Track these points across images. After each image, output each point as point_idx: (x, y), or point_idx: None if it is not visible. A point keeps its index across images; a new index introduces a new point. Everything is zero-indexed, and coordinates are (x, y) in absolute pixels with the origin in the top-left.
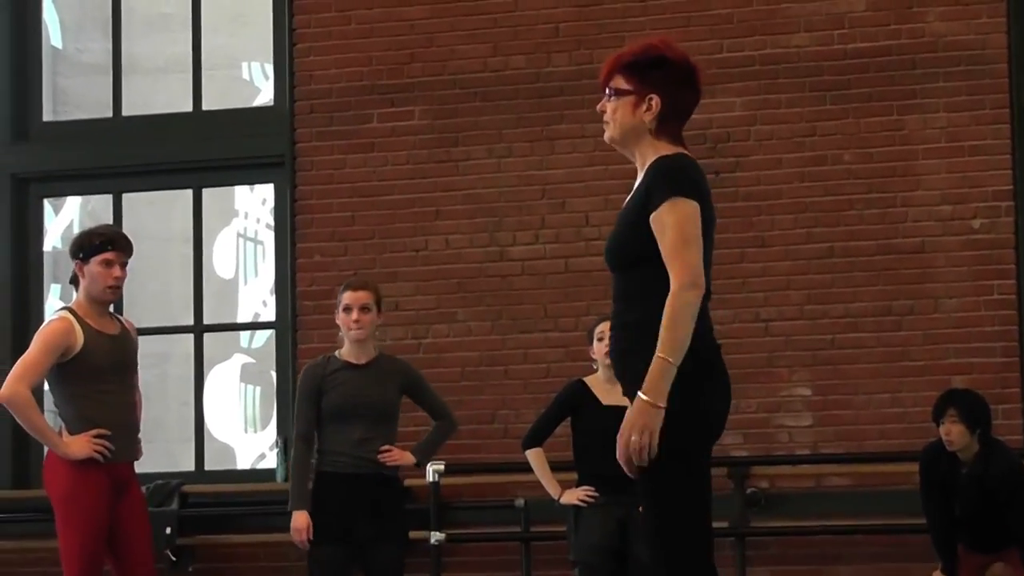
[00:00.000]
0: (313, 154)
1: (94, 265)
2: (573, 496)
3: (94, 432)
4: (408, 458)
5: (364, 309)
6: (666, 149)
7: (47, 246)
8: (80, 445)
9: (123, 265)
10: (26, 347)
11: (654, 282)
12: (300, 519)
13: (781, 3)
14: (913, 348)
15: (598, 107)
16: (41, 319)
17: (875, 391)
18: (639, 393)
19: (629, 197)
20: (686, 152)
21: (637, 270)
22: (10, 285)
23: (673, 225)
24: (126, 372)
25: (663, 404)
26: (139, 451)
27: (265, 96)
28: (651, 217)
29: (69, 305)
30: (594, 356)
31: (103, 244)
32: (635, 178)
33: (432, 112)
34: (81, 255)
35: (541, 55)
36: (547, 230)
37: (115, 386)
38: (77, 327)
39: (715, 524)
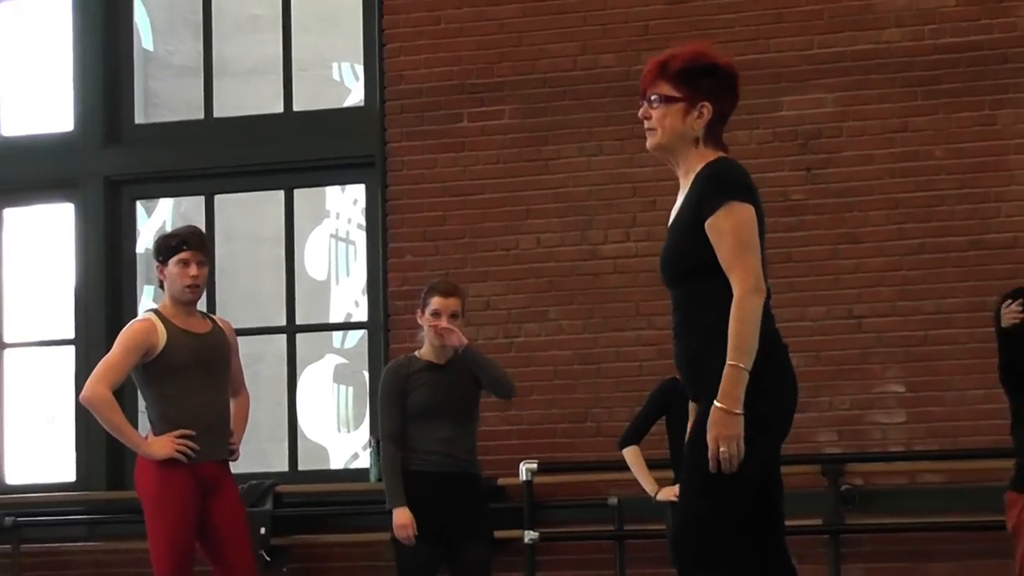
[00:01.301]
0: (404, 154)
1: (172, 266)
2: (670, 493)
3: (177, 433)
4: (460, 337)
5: (453, 316)
6: (711, 155)
7: (140, 248)
8: (161, 445)
9: (200, 264)
10: None
11: (718, 290)
12: (403, 515)
13: None
14: None
15: (640, 113)
16: None
17: (968, 387)
18: (715, 403)
19: (677, 208)
20: (727, 155)
21: (698, 280)
22: (104, 287)
23: (730, 230)
24: (213, 371)
25: (740, 410)
26: (231, 450)
27: (355, 96)
28: (707, 223)
29: (156, 307)
30: None
31: (178, 244)
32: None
33: (522, 111)
34: (160, 258)
35: (630, 53)
36: (638, 228)
37: (200, 385)
38: (160, 327)
39: (809, 521)
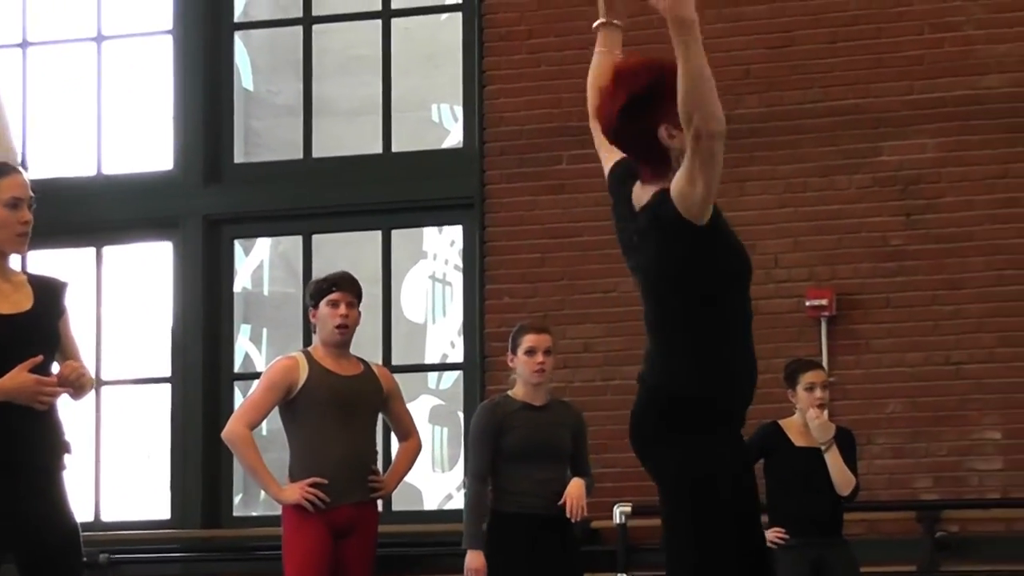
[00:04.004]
0: (503, 195)
1: (322, 307)
2: (771, 536)
3: (309, 481)
4: (579, 490)
5: (547, 352)
6: None
7: (237, 287)
8: (291, 492)
9: (350, 305)
10: (217, 387)
11: None
12: (477, 559)
13: (973, 44)
14: None
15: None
16: (231, 360)
17: None
18: None
19: None
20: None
21: None
22: (201, 325)
23: None
24: (355, 415)
25: None
26: (371, 490)
27: (454, 138)
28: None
29: (308, 348)
30: (794, 400)
31: (328, 286)
32: (823, 219)
33: None
34: (312, 301)
35: (732, 96)
36: None
37: (338, 427)
38: (303, 365)
39: (904, 568)
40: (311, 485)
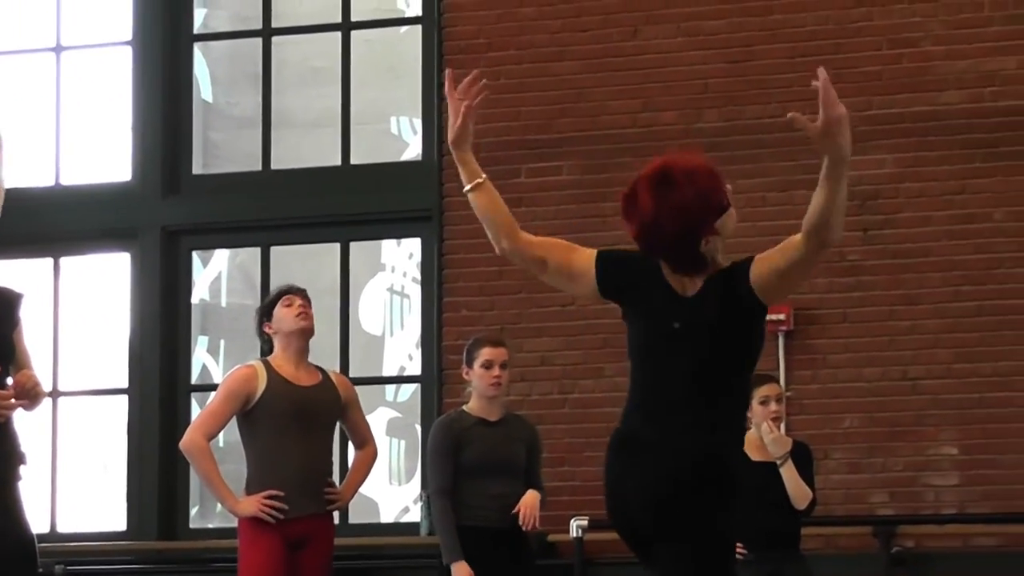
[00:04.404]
0: (461, 208)
1: (279, 309)
2: None
3: (266, 494)
4: (534, 500)
5: (503, 366)
6: None
7: (195, 299)
8: (247, 505)
9: (304, 300)
10: (174, 398)
11: None
12: (462, 570)
13: (931, 60)
14: None
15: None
16: (189, 371)
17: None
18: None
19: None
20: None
21: None
22: (159, 336)
23: None
24: (314, 424)
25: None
26: (328, 502)
27: (413, 150)
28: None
29: (267, 357)
30: (749, 415)
31: (280, 293)
32: (782, 234)
33: (581, 167)
34: (265, 316)
35: (691, 111)
36: None
37: (296, 437)
38: (261, 374)
39: None
40: (268, 497)
